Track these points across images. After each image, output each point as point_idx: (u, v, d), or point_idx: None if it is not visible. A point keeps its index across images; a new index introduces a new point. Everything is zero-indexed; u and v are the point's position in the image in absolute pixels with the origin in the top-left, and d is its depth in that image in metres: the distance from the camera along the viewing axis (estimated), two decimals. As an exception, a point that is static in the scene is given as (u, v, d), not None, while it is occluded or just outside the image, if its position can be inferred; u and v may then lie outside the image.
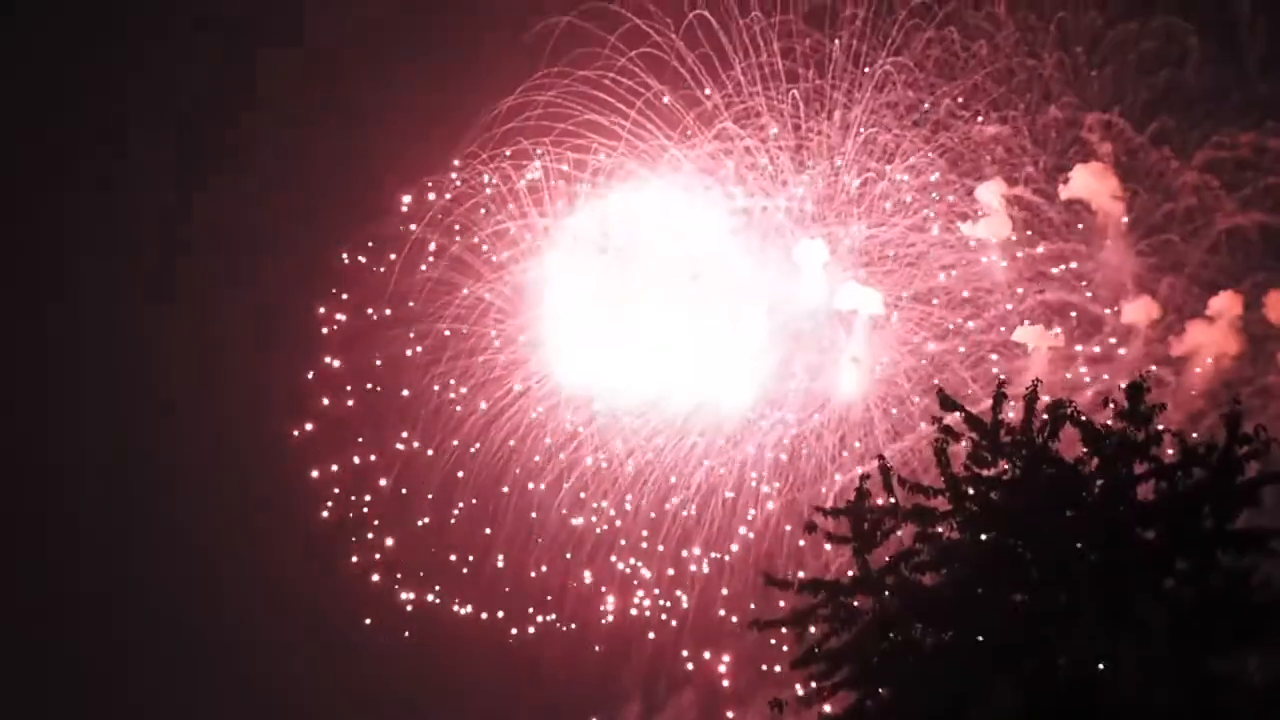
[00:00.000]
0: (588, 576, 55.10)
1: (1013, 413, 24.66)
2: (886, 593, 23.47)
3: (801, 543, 50.08)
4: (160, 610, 59.66)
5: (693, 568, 54.10)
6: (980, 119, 55.25)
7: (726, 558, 53.51)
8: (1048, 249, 54.63)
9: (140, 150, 61.86)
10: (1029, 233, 54.79)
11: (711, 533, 53.53)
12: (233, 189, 60.43)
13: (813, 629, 23.91)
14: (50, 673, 58.45)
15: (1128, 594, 22.51)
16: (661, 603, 54.55)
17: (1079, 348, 53.87)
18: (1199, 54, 52.37)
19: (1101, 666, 22.24)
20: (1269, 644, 22.37)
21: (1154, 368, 51.29)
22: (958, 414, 24.26)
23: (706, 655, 54.38)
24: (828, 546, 24.79)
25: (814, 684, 23.49)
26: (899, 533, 24.12)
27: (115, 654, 58.65)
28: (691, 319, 54.73)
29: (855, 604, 23.62)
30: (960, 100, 55.24)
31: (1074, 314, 54.43)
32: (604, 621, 55.16)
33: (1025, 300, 54.74)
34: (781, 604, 24.67)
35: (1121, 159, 53.58)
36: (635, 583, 54.75)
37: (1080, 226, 54.25)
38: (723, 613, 53.91)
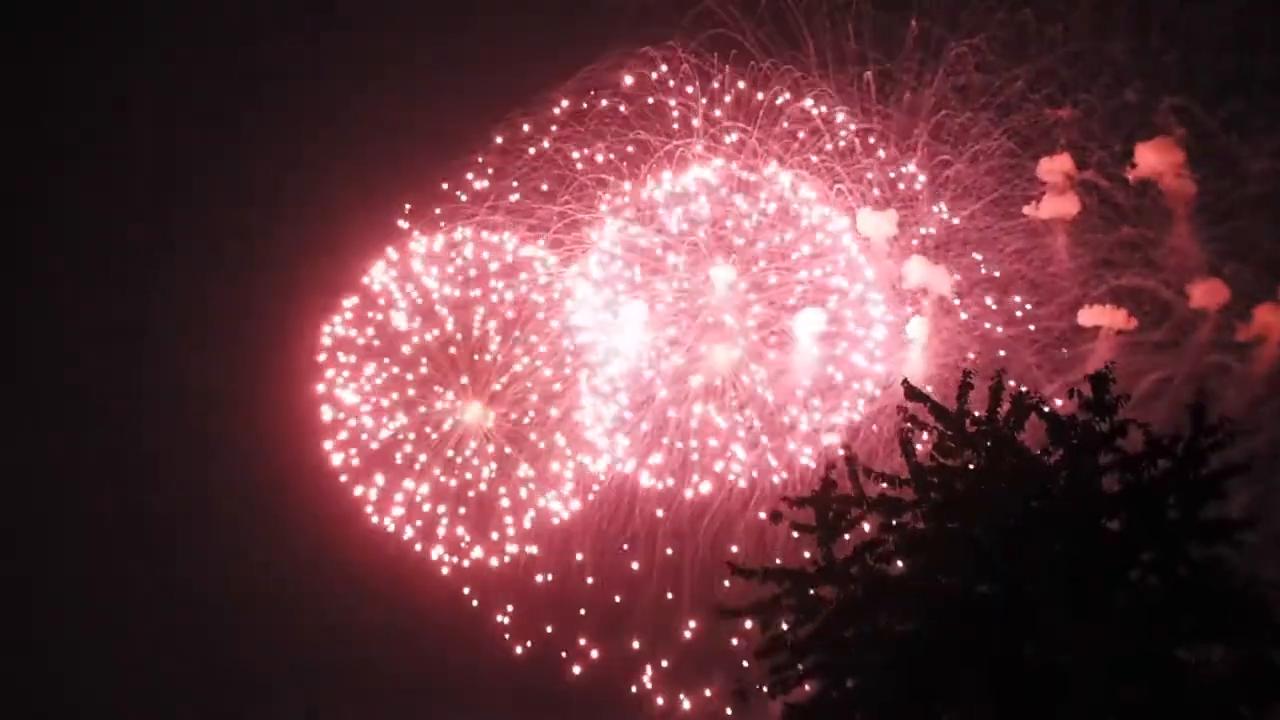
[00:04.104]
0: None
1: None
2: (851, 584, 23.56)
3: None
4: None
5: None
6: (1051, 102, 54.59)
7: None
8: (1117, 234, 53.84)
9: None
10: (1099, 220, 54.02)
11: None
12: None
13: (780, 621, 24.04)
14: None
15: (1092, 584, 22.46)
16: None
17: (1150, 335, 53.00)
18: (1270, 37, 51.29)
19: (1068, 656, 22.23)
20: (1234, 634, 22.26)
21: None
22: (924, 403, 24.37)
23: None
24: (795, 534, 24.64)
25: (778, 674, 23.64)
26: (865, 523, 24.22)
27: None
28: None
29: (820, 594, 23.75)
30: (1030, 83, 54.60)
31: (1146, 303, 53.50)
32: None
33: (1098, 286, 53.95)
34: None
35: (1191, 144, 52.65)
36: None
37: (1150, 210, 53.42)
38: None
